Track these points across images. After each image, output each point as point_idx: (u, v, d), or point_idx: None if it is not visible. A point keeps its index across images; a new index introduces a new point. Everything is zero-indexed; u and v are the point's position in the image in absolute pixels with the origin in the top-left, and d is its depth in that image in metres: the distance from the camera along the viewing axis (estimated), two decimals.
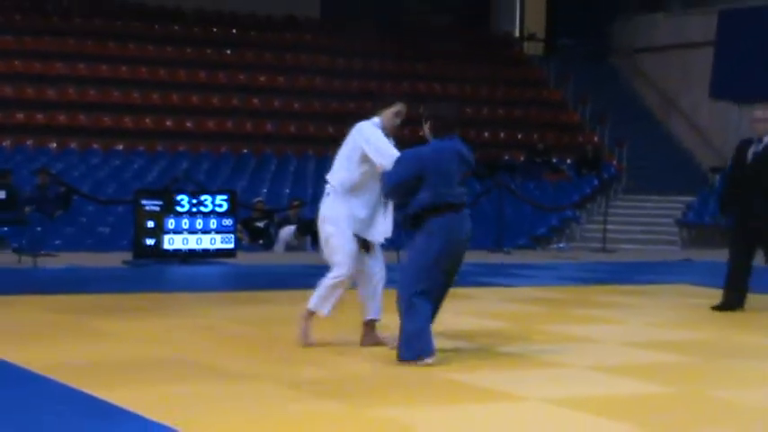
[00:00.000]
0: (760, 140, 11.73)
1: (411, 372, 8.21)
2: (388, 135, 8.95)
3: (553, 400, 7.36)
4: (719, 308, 11.86)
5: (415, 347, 8.27)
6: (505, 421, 6.83)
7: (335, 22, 31.39)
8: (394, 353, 8.62)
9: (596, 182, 27.19)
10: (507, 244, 20.60)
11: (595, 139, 29.81)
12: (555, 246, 23.28)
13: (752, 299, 12.11)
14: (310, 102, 28.30)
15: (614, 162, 28.68)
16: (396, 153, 8.61)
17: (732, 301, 11.91)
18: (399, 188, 8.44)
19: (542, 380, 8.06)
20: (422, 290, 8.30)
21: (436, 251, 8.29)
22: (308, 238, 20.59)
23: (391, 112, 9.05)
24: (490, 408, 7.18)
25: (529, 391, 7.59)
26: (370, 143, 8.80)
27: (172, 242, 16.28)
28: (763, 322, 11.54)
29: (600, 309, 12.41)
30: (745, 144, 11.98)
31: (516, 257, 19.28)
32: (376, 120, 9.04)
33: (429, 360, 8.23)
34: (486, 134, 29.09)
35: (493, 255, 19.19)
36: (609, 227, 23.07)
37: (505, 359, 8.84)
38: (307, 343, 8.99)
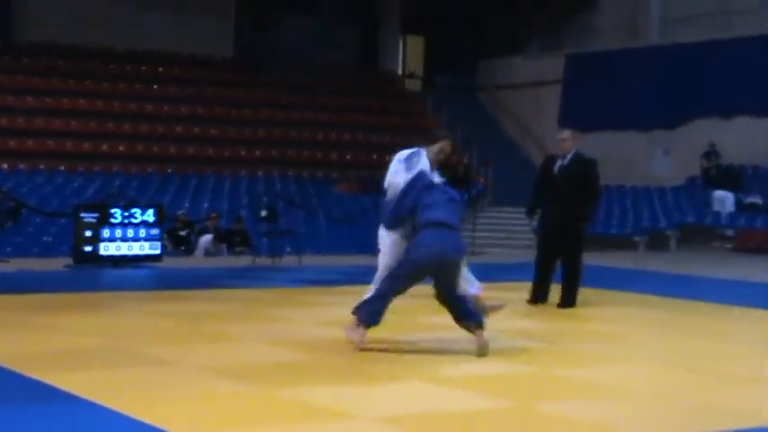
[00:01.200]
0: (564, 157, 11.77)
1: (312, 360, 8.25)
2: (432, 167, 8.73)
3: (430, 378, 7.45)
4: (532, 301, 11.65)
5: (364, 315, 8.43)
6: (389, 396, 6.91)
7: (247, 60, 31.34)
8: (303, 344, 8.67)
9: (467, 196, 27.37)
10: None
11: (466, 160, 30.07)
12: None
13: (584, 292, 12.18)
14: (226, 129, 28.18)
15: (482, 180, 28.94)
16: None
17: (541, 294, 11.81)
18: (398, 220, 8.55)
19: (417, 363, 8.12)
20: (398, 287, 8.49)
21: (414, 261, 8.36)
22: (224, 246, 20.48)
23: (435, 149, 8.83)
24: (375, 385, 7.25)
25: (408, 372, 7.66)
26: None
27: (107, 249, 16.09)
28: (595, 313, 11.66)
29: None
30: (551, 159, 12.04)
31: None
32: (423, 151, 8.76)
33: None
34: (375, 156, 29.18)
35: (377, 258, 19.21)
36: (477, 234, 23.30)
37: (387, 344, 8.92)
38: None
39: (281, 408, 6.47)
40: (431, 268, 8.37)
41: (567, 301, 11.79)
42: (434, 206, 8.36)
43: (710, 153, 26.71)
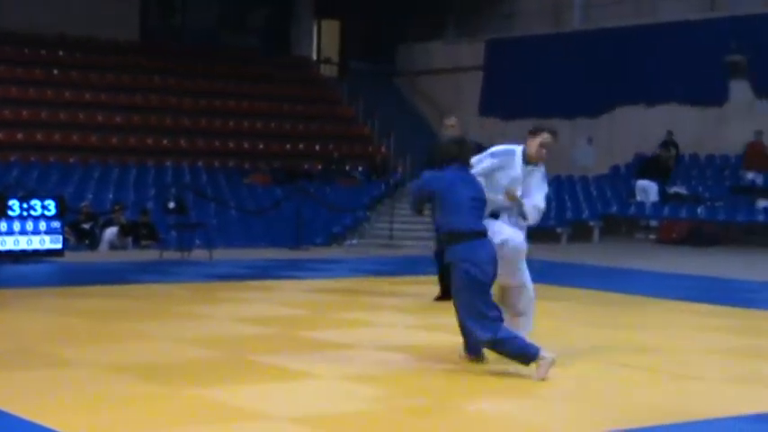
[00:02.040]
0: None
1: (226, 358, 8.28)
2: (528, 161, 8.36)
3: (347, 376, 7.53)
4: (440, 299, 11.54)
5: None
6: (304, 395, 6.99)
7: (153, 45, 31.08)
8: (215, 341, 8.68)
9: (384, 186, 27.54)
10: (306, 242, 20.75)
11: (383, 149, 30.20)
12: (348, 242, 23.49)
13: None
14: (131, 116, 27.94)
15: (399, 169, 29.05)
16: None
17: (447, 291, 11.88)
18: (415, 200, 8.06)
19: (332, 360, 8.17)
20: (477, 312, 7.65)
21: (462, 281, 7.66)
22: (130, 239, 20.36)
23: (536, 143, 8.46)
24: (290, 384, 7.32)
25: (323, 371, 7.73)
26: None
27: (4, 243, 15.90)
28: None
29: (385, 297, 12.60)
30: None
31: (314, 253, 19.44)
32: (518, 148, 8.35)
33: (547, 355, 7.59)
34: (288, 146, 29.20)
35: (293, 251, 19.31)
36: (394, 225, 23.44)
37: (302, 342, 8.99)
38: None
39: (192, 409, 6.50)
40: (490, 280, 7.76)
41: None
42: (457, 209, 7.75)
43: (668, 142, 26.12)
